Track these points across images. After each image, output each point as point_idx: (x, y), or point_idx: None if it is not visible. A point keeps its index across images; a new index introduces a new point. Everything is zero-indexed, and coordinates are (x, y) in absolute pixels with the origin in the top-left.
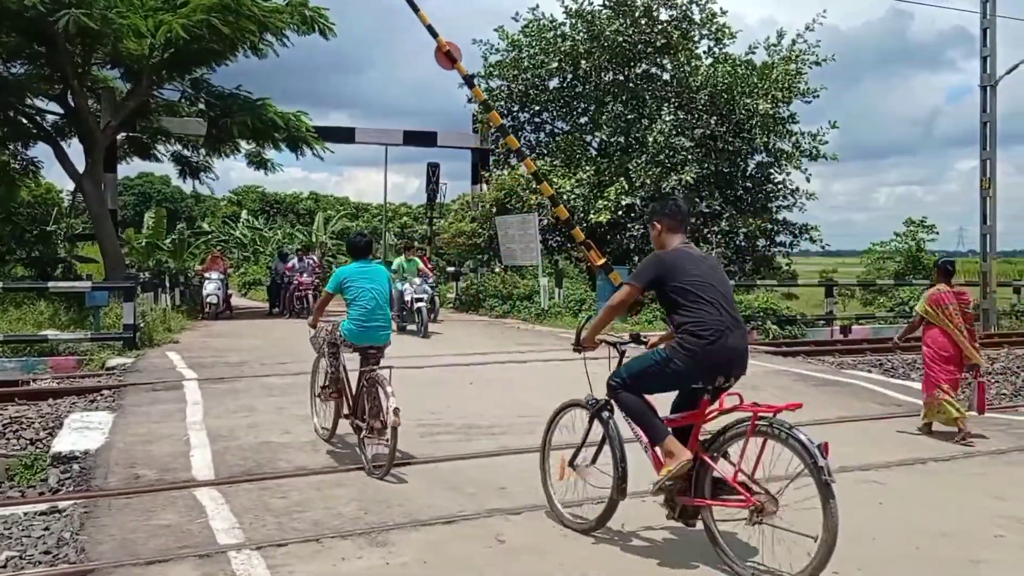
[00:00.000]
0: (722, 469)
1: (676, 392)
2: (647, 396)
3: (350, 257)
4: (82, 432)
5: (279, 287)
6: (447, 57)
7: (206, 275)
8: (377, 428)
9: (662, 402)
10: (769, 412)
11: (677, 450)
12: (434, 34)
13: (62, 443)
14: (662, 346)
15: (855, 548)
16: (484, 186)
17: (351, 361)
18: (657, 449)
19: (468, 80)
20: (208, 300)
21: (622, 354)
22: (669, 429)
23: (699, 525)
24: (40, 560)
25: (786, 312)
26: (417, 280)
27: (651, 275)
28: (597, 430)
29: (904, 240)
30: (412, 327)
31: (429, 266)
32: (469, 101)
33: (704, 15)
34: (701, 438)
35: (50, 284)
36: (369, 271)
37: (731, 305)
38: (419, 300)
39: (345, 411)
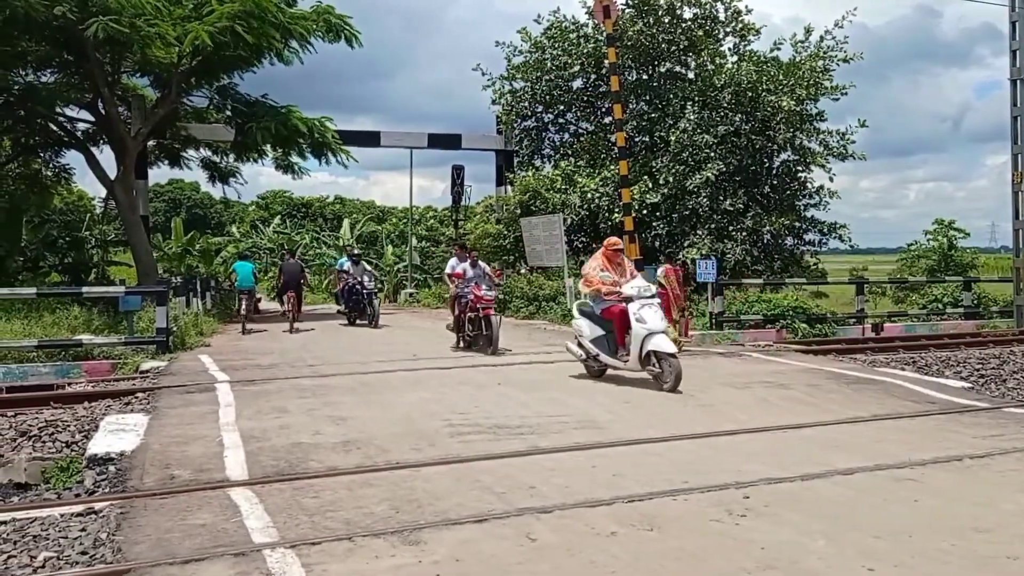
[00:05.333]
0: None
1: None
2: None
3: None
4: (117, 434)
5: (351, 290)
6: (604, 11)
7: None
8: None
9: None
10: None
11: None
12: None
13: (98, 445)
14: None
15: (891, 545)
16: (509, 188)
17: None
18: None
19: (611, 39)
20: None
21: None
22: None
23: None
24: (77, 560)
25: (816, 311)
26: None
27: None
28: None
29: (935, 237)
30: None
31: None
32: (493, 103)
33: (729, 13)
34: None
35: (84, 289)
36: (243, 265)
37: (296, 277)
38: None
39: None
